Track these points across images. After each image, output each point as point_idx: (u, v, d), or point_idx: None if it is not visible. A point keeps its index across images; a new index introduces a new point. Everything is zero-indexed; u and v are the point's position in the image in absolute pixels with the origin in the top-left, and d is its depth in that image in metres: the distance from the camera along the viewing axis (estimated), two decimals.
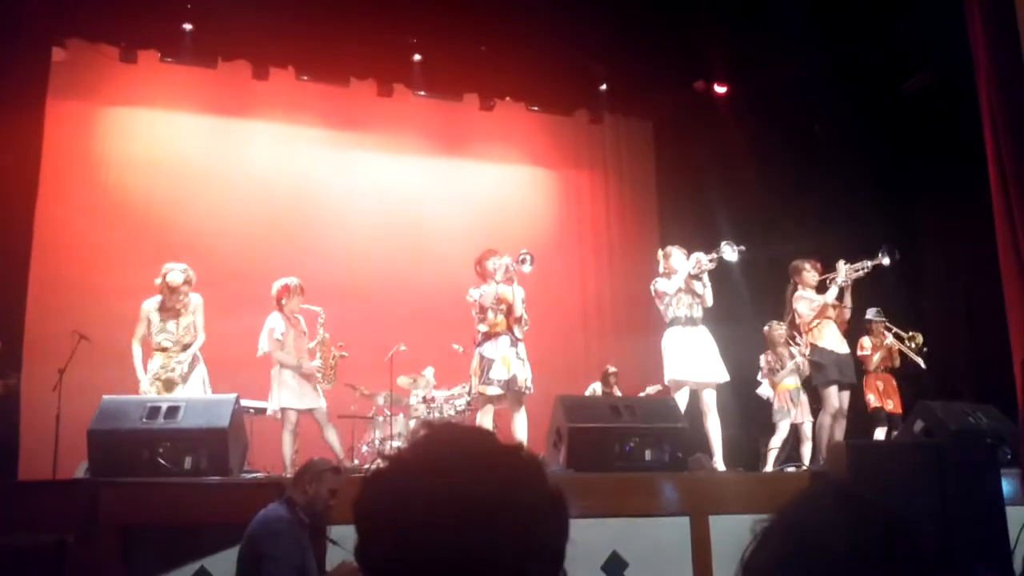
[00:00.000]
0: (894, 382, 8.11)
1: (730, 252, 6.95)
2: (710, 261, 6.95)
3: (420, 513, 0.99)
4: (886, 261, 7.22)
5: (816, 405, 7.39)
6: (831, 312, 7.23)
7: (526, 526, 1.02)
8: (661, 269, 7.12)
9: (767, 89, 9.87)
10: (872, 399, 8.01)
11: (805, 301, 7.25)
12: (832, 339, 7.13)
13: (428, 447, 1.08)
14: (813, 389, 7.51)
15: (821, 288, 7.32)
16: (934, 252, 9.49)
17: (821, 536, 1.07)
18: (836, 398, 6.97)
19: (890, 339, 8.04)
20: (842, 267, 7.24)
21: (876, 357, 8.03)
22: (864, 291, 7.65)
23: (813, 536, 1.07)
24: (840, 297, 7.23)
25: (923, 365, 8.02)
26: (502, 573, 0.99)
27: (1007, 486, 5.20)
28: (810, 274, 7.28)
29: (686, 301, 6.93)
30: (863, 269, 7.26)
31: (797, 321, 7.38)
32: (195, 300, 6.79)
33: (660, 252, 7.31)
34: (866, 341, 8.15)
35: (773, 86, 9.76)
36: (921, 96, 9.40)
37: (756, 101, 10.03)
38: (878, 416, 7.95)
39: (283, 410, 6.77)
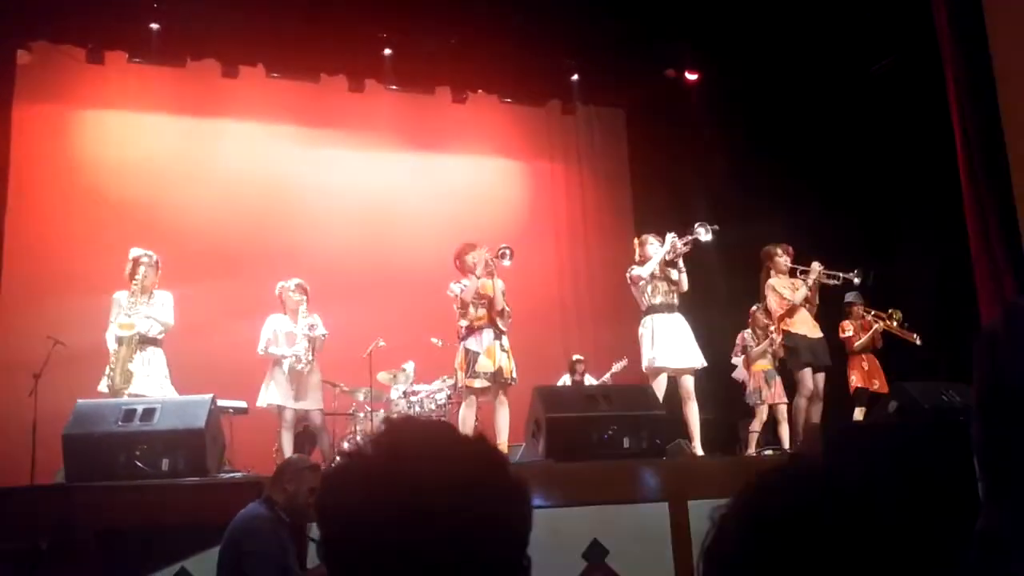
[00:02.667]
0: (878, 363, 8.22)
1: (704, 233, 7.00)
2: (684, 244, 6.99)
3: (380, 505, 1.00)
4: (857, 281, 7.35)
5: (793, 389, 7.46)
6: (803, 303, 7.32)
7: (485, 515, 1.02)
8: (636, 257, 7.15)
9: (738, 75, 9.91)
10: (855, 379, 8.11)
11: (776, 296, 7.34)
12: (804, 324, 7.22)
13: (388, 440, 1.09)
14: (789, 373, 7.59)
15: (792, 273, 7.39)
16: (906, 232, 9.58)
17: (780, 518, 1.08)
18: (810, 380, 7.06)
19: (875, 321, 8.14)
20: (816, 268, 7.33)
21: (863, 340, 8.13)
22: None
23: (772, 518, 1.08)
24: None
25: (918, 341, 8.10)
26: (462, 561, 1.00)
27: None
28: (782, 259, 7.36)
29: (663, 288, 6.97)
30: (834, 279, 7.37)
31: (769, 308, 7.47)
32: (162, 295, 6.78)
33: (635, 240, 7.35)
34: (847, 325, 8.25)
35: (743, 72, 9.80)
36: (891, 79, 9.47)
37: (727, 87, 10.07)
38: (860, 396, 8.06)
39: (279, 407, 6.93)
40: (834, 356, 7.99)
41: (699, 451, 6.60)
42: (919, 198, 9.12)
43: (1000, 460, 0.91)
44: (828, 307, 8.03)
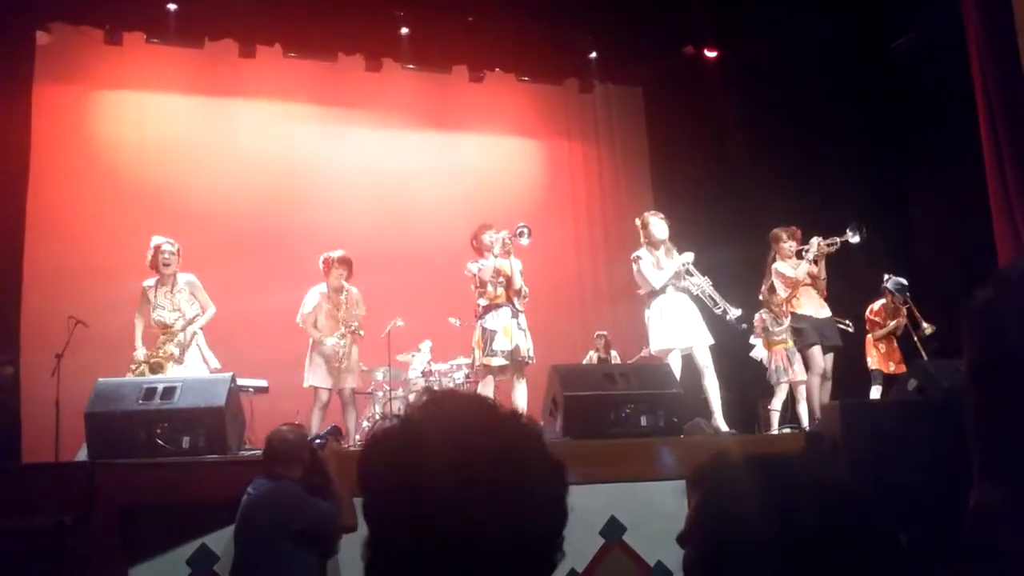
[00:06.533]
0: (895, 345, 8.19)
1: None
2: (829, 245, 7.08)
3: (422, 470, 1.01)
4: (855, 240, 7.23)
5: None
6: (809, 279, 7.24)
7: (523, 490, 1.03)
8: (642, 239, 7.05)
9: (757, 52, 9.80)
10: (871, 360, 8.09)
11: (780, 278, 7.27)
12: (811, 305, 7.15)
13: (433, 410, 1.09)
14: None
15: (799, 256, 7.31)
16: (926, 209, 9.50)
17: (728, 510, 1.12)
18: (820, 358, 6.99)
19: (903, 320, 8.09)
20: (815, 242, 7.25)
21: (885, 330, 8.10)
22: (860, 250, 7.64)
23: (722, 508, 1.12)
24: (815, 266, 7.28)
25: (924, 357, 8.01)
26: (498, 533, 1.00)
27: None
28: (787, 244, 7.26)
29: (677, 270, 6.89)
30: (834, 245, 7.28)
31: (776, 290, 7.37)
32: (184, 278, 6.83)
33: (637, 220, 7.21)
34: (876, 306, 8.21)
35: (763, 49, 9.70)
36: (911, 56, 9.36)
37: (746, 65, 9.97)
38: (876, 376, 8.04)
39: (313, 388, 7.02)
40: (856, 333, 7.97)
41: (723, 426, 6.53)
42: (941, 171, 9.04)
43: (993, 433, 0.90)
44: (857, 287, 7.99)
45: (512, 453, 1.05)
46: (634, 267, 6.97)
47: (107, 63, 9.37)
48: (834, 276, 7.59)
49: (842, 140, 9.52)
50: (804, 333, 7.09)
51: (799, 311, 7.18)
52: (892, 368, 8.03)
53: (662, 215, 7.06)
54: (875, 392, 7.92)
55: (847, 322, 7.93)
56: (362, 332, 7.28)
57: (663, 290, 6.82)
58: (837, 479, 1.15)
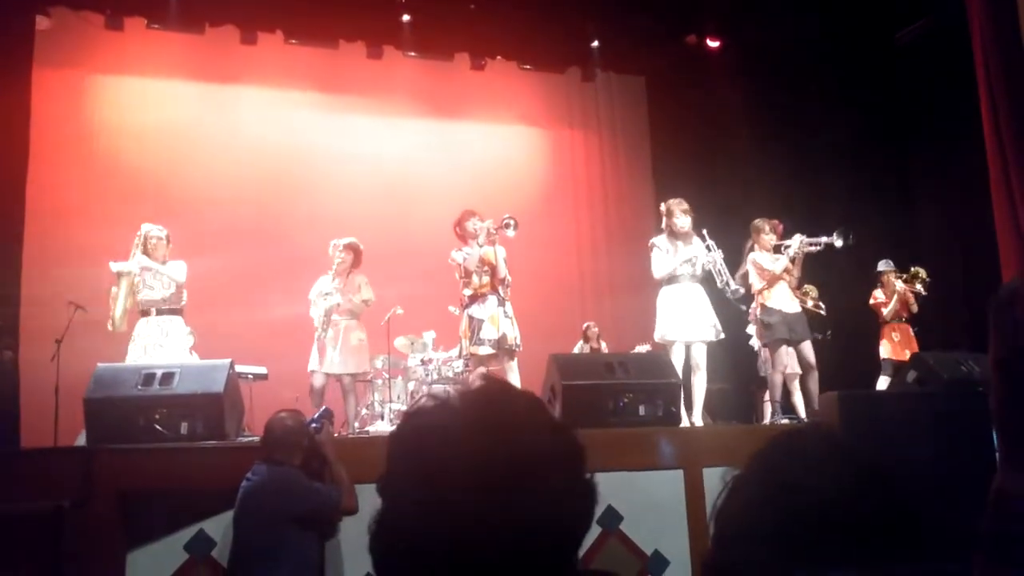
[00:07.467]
0: (911, 332, 8.20)
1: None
2: (812, 244, 6.93)
3: (452, 459, 0.98)
4: (839, 243, 7.11)
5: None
6: (785, 274, 7.14)
7: (548, 504, 1.00)
8: (663, 224, 6.97)
9: (760, 42, 9.77)
10: (883, 350, 8.11)
11: (756, 268, 7.14)
12: (780, 299, 6.97)
13: (479, 399, 1.07)
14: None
15: (776, 250, 7.20)
16: (929, 201, 9.48)
17: (799, 479, 1.07)
18: (785, 356, 6.92)
19: (899, 285, 8.15)
20: (797, 239, 7.12)
21: (890, 307, 8.16)
22: (864, 244, 7.64)
23: (791, 479, 1.07)
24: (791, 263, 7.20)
25: (924, 292, 8.10)
26: (508, 538, 0.97)
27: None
28: (768, 236, 7.13)
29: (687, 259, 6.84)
30: (816, 246, 7.15)
31: (749, 282, 7.27)
32: (174, 265, 6.80)
33: (663, 206, 7.10)
34: (878, 293, 8.32)
35: (766, 39, 9.67)
36: (916, 47, 9.33)
37: (749, 54, 9.95)
38: (885, 366, 8.05)
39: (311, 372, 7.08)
40: (868, 325, 7.96)
41: (698, 421, 6.53)
42: (945, 165, 9.02)
43: (1015, 421, 0.90)
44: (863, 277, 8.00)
45: (546, 465, 1.02)
46: (652, 253, 6.93)
47: (107, 48, 9.35)
48: (839, 274, 7.57)
49: (845, 131, 9.50)
50: (773, 328, 6.95)
51: (768, 303, 7.04)
52: (908, 356, 8.01)
53: (687, 206, 6.93)
54: (882, 382, 7.91)
55: (821, 305, 7.98)
56: (335, 303, 7.24)
57: (675, 280, 6.76)
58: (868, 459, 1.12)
